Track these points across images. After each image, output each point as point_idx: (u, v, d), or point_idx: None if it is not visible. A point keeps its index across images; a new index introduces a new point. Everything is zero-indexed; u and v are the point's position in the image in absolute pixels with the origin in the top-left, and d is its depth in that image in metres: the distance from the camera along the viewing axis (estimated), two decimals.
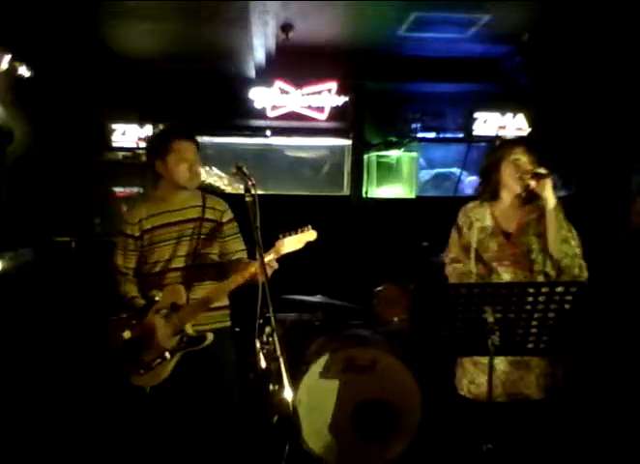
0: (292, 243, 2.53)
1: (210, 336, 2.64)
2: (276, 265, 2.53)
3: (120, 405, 3.77)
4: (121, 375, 2.67)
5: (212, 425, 2.71)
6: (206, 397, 2.71)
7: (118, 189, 6.39)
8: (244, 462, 2.91)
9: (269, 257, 2.49)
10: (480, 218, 2.63)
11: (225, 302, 2.81)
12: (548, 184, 2.42)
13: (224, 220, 2.79)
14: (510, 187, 2.57)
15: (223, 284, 2.61)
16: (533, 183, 2.44)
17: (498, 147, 2.70)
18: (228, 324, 2.85)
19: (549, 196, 2.42)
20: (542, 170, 2.43)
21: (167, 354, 2.60)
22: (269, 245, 2.61)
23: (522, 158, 2.53)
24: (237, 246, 2.81)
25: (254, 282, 2.47)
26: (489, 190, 2.64)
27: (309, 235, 2.54)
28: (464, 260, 2.65)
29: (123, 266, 2.74)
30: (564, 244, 2.44)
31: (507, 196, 2.61)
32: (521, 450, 2.49)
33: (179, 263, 2.69)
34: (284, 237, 2.53)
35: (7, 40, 4.91)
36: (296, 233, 2.52)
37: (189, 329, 2.63)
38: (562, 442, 2.71)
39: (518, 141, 2.77)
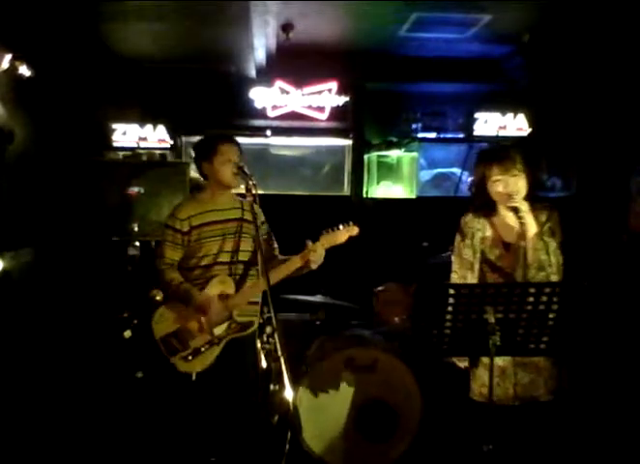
0: (335, 236, 2.81)
1: (255, 324, 2.90)
2: (322, 254, 2.81)
3: (121, 401, 3.78)
4: (166, 362, 2.82)
5: (238, 416, 2.89)
6: (240, 387, 2.91)
7: (118, 190, 6.39)
8: (244, 462, 2.91)
9: (315, 247, 2.78)
10: (480, 229, 2.61)
11: (260, 297, 3.02)
12: (525, 210, 2.40)
13: (259, 222, 2.99)
14: (500, 202, 2.56)
15: (274, 272, 2.82)
16: (510, 206, 2.44)
17: (478, 163, 2.62)
18: (259, 320, 3.07)
19: (527, 223, 2.39)
20: (516, 204, 2.40)
21: (215, 339, 2.81)
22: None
23: (501, 177, 2.47)
24: (273, 245, 3.11)
25: (299, 273, 2.86)
26: (483, 202, 2.60)
27: (352, 229, 2.83)
28: (464, 273, 2.64)
29: (170, 258, 2.93)
30: (540, 272, 2.43)
31: (502, 208, 2.59)
32: (526, 451, 2.49)
33: (224, 258, 2.92)
34: (327, 232, 2.81)
35: (7, 39, 4.91)
36: (338, 228, 2.80)
37: (237, 315, 2.84)
38: (566, 442, 2.71)
39: (491, 157, 2.60)
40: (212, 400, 2.88)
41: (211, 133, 3.02)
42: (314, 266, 2.82)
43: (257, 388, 3.01)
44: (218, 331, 2.83)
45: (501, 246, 2.57)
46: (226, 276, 2.88)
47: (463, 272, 2.64)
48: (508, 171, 2.47)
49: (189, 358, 2.80)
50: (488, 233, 2.60)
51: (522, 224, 2.39)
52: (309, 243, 2.81)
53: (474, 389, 2.61)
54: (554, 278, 2.43)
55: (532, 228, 2.41)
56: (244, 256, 2.97)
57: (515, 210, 2.42)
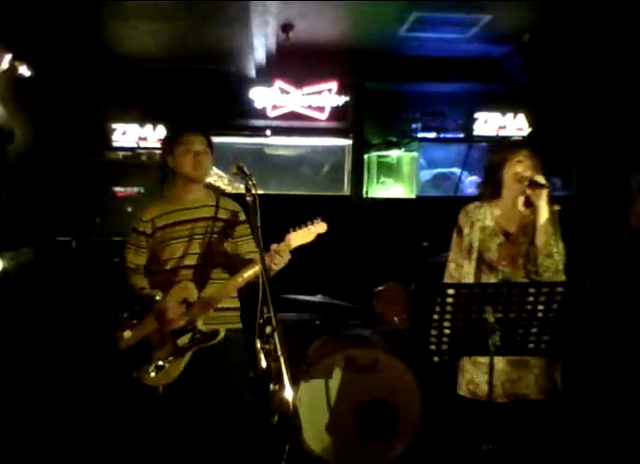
0: (303, 235, 2.58)
1: (222, 332, 2.67)
2: (287, 256, 2.59)
3: (122, 404, 3.78)
4: (131, 375, 2.68)
5: (219, 425, 2.73)
6: (215, 397, 2.72)
7: (118, 189, 6.39)
8: (244, 462, 2.91)
9: (280, 248, 2.56)
10: (480, 219, 2.63)
11: (236, 303, 2.85)
12: (543, 194, 2.42)
13: (237, 221, 2.81)
14: (510, 187, 2.57)
15: (231, 281, 2.65)
16: (528, 190, 2.45)
17: (504, 146, 2.70)
18: (239, 326, 2.85)
19: (542, 208, 2.43)
20: (541, 179, 2.42)
21: (179, 351, 2.63)
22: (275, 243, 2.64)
23: (525, 160, 2.52)
24: (249, 248, 2.82)
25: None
26: (491, 188, 2.63)
27: (320, 227, 2.59)
28: (461, 262, 2.65)
29: (133, 262, 2.79)
30: (547, 258, 2.45)
31: (508, 195, 2.60)
32: (520, 451, 2.49)
33: (191, 261, 2.71)
34: (295, 230, 2.58)
35: (7, 39, 4.91)
36: (306, 226, 2.58)
37: (202, 325, 2.65)
38: (560, 443, 2.71)
39: (524, 143, 2.75)
40: (185, 410, 2.72)
41: (178, 124, 2.85)
42: (276, 268, 2.59)
43: (251, 388, 2.90)
44: (182, 341, 2.63)
45: (501, 235, 2.59)
46: (188, 282, 2.66)
47: (460, 260, 2.65)
48: (531, 157, 2.52)
49: (152, 371, 2.62)
50: (489, 222, 2.61)
51: (537, 207, 2.42)
52: (274, 245, 2.59)
53: (461, 384, 2.62)
54: (561, 267, 2.46)
55: (544, 214, 2.43)
56: (216, 259, 2.75)
57: (532, 189, 2.44)
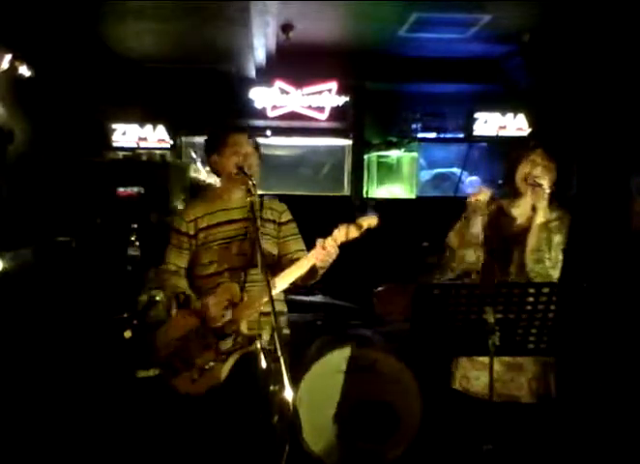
0: (351, 229, 2.44)
1: (265, 335, 2.47)
2: (335, 252, 2.45)
3: (124, 402, 3.78)
4: (163, 382, 2.54)
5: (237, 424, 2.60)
6: (253, 404, 2.56)
7: (119, 189, 6.40)
8: (244, 462, 2.91)
9: (326, 243, 2.43)
10: (489, 214, 2.58)
11: (284, 307, 2.75)
12: (543, 197, 2.37)
13: (283, 221, 2.73)
14: (519, 186, 2.51)
15: (281, 276, 2.50)
16: (529, 190, 2.42)
17: (520, 143, 2.63)
18: (287, 331, 2.73)
19: (539, 210, 2.38)
20: (542, 181, 2.38)
21: (221, 355, 2.49)
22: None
23: (538, 160, 2.46)
24: (297, 246, 2.72)
25: (313, 279, 2.53)
26: (511, 187, 2.54)
27: (371, 220, 2.47)
28: (465, 251, 2.59)
29: (175, 263, 2.65)
30: (537, 264, 2.40)
31: (524, 192, 2.52)
32: (517, 452, 2.48)
33: (235, 263, 2.60)
34: (343, 225, 2.45)
35: (7, 39, 4.91)
36: (355, 221, 2.46)
37: (245, 328, 2.51)
38: (554, 446, 2.71)
39: (539, 144, 2.60)
40: (218, 420, 2.58)
41: (219, 125, 2.74)
42: (322, 265, 2.48)
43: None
44: (224, 346, 2.50)
45: (495, 241, 2.55)
46: (231, 284, 2.54)
47: (464, 250, 2.56)
48: (545, 158, 2.47)
49: (194, 377, 2.49)
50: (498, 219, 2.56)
51: (536, 209, 2.38)
52: (320, 240, 2.45)
53: (455, 377, 2.61)
54: (552, 273, 2.41)
55: (540, 217, 2.39)
56: (255, 261, 2.56)
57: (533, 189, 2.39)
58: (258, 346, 2.41)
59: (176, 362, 2.52)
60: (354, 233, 2.45)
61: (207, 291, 2.54)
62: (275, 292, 2.49)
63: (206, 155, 2.75)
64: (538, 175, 2.44)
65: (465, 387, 2.56)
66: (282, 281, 2.50)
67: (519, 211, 2.58)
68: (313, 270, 2.49)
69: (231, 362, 2.51)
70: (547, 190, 2.39)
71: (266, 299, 2.43)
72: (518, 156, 2.54)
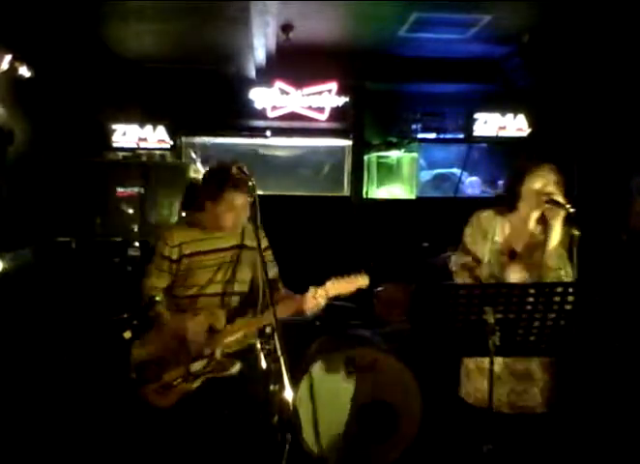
0: (343, 285, 2.57)
1: (237, 365, 2.61)
2: (323, 302, 2.57)
3: (121, 406, 3.77)
4: (135, 392, 2.62)
5: (227, 424, 2.69)
6: (232, 419, 2.67)
7: (118, 189, 6.40)
8: (244, 462, 2.91)
9: (317, 294, 2.54)
10: (491, 232, 2.56)
11: (255, 340, 2.74)
12: (560, 215, 2.35)
13: (263, 247, 2.71)
14: (528, 201, 2.50)
15: (255, 320, 2.60)
16: (546, 207, 2.40)
17: (526, 160, 2.61)
18: (256, 341, 2.73)
19: (556, 228, 2.37)
20: (560, 199, 2.36)
21: (190, 376, 2.57)
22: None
23: (547, 175, 2.45)
24: (273, 273, 2.81)
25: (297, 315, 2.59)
26: (508, 200, 2.56)
27: (362, 280, 2.60)
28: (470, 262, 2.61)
29: (153, 286, 2.70)
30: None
31: (523, 209, 2.54)
32: (520, 453, 2.49)
33: (215, 289, 2.68)
34: (336, 278, 2.56)
35: (7, 40, 4.92)
36: (349, 276, 2.57)
37: (219, 354, 2.59)
38: (561, 449, 2.70)
39: (544, 156, 2.63)
40: (184, 432, 2.65)
41: (225, 169, 2.57)
42: (309, 313, 2.57)
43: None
44: (195, 367, 2.57)
45: (506, 256, 2.54)
46: (218, 309, 2.62)
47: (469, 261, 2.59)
48: (553, 173, 2.46)
49: (159, 391, 2.56)
50: (498, 238, 2.56)
51: (551, 227, 2.37)
52: (313, 288, 2.56)
53: (468, 390, 2.61)
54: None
55: (558, 233, 2.38)
56: (240, 287, 2.73)
57: (550, 207, 2.38)
58: (258, 346, 2.42)
59: (147, 372, 2.58)
60: (346, 290, 2.57)
61: (188, 311, 2.61)
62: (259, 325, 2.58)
63: (201, 193, 2.73)
64: (553, 192, 2.40)
65: (480, 399, 2.54)
66: (265, 319, 2.50)
67: (513, 222, 2.57)
68: (299, 311, 2.58)
69: (197, 384, 2.58)
70: (571, 210, 2.34)
71: (249, 330, 2.59)
72: (525, 170, 2.50)
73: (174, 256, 2.65)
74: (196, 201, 2.76)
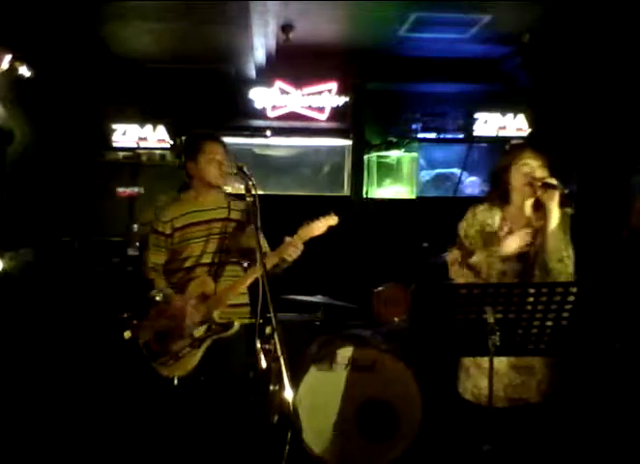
0: (315, 227, 2.75)
1: (236, 324, 2.83)
2: (301, 247, 2.76)
3: (124, 402, 3.78)
4: (146, 367, 2.78)
5: (223, 421, 2.85)
6: (222, 391, 2.87)
7: (118, 189, 6.41)
8: (244, 462, 2.91)
9: (293, 240, 2.75)
10: (490, 223, 2.58)
11: (246, 299, 2.98)
12: (556, 196, 2.37)
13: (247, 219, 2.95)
14: (520, 190, 2.52)
15: (240, 279, 2.84)
16: (540, 191, 2.41)
17: (508, 151, 2.67)
18: (252, 321, 2.95)
19: (553, 210, 2.38)
20: (553, 181, 2.38)
21: (195, 342, 2.77)
22: (276, 245, 2.84)
23: (531, 162, 2.48)
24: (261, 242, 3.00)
25: (279, 270, 2.80)
26: (499, 194, 2.58)
27: (331, 219, 2.76)
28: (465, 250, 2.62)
29: (153, 261, 2.90)
30: (559, 263, 2.41)
31: (517, 199, 2.56)
32: (519, 452, 2.48)
33: (208, 259, 2.88)
34: (307, 223, 2.75)
35: (7, 40, 4.92)
36: (318, 219, 2.75)
37: (217, 316, 2.79)
38: (559, 444, 2.71)
39: (525, 145, 2.73)
40: (197, 404, 2.85)
41: (195, 132, 3.01)
42: (290, 259, 2.77)
43: (252, 387, 2.99)
44: (198, 333, 2.79)
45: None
46: (207, 277, 2.84)
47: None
48: (536, 158, 2.49)
49: (170, 362, 2.77)
50: (497, 225, 2.57)
51: (549, 210, 2.39)
52: (287, 238, 2.77)
53: (466, 387, 2.60)
54: (571, 270, 2.43)
55: (556, 216, 2.39)
56: (231, 256, 2.93)
57: (544, 191, 2.40)
58: (258, 346, 2.44)
59: (154, 347, 2.80)
60: (318, 230, 2.75)
61: (183, 284, 2.84)
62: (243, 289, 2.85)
63: (182, 161, 3.02)
64: (543, 176, 2.44)
65: (477, 396, 2.55)
66: (246, 281, 2.81)
67: (510, 213, 2.58)
68: (281, 260, 2.79)
69: (204, 348, 2.80)
70: (560, 189, 2.37)
71: (239, 290, 2.83)
72: (508, 162, 2.54)
73: (167, 231, 2.87)
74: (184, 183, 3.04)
